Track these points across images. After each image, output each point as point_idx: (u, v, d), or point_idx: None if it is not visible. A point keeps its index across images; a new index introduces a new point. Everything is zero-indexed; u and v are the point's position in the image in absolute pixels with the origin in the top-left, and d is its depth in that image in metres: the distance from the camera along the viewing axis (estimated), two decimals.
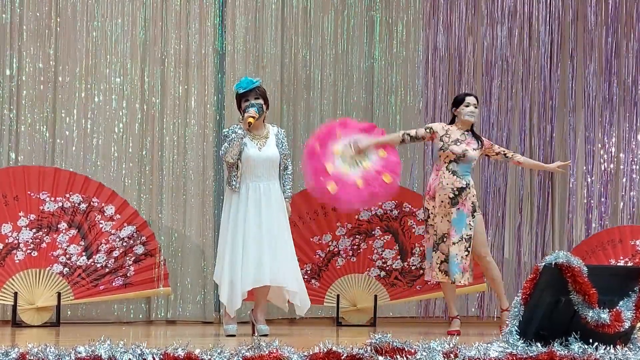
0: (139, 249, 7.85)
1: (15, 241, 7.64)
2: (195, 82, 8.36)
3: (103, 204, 7.80)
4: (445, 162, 7.41)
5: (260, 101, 6.80)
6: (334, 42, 8.67)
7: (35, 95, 8.06)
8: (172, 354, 4.39)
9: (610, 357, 4.77)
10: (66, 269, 7.70)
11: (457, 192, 7.36)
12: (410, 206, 8.24)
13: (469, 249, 7.33)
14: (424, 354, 4.56)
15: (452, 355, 4.62)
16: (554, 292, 5.01)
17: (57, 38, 8.11)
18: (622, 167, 8.95)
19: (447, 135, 7.44)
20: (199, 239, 8.30)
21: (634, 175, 8.95)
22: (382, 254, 8.23)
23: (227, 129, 6.88)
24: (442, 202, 7.36)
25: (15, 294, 7.59)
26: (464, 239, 7.32)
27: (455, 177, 7.38)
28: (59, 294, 7.65)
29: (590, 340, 4.88)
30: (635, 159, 8.96)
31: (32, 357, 4.33)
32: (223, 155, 6.73)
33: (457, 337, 5.15)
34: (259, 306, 6.88)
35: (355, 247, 8.23)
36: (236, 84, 6.96)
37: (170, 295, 8.13)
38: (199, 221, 8.30)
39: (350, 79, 8.72)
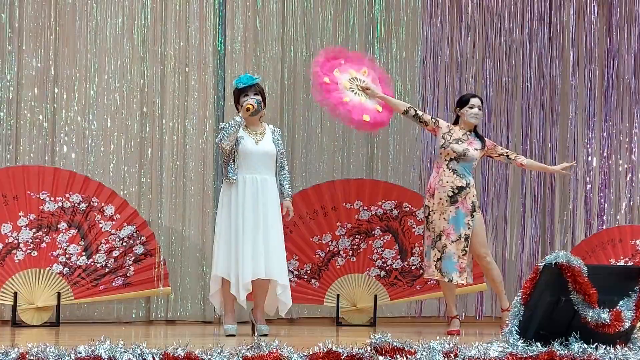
0: (139, 249, 7.85)
1: (15, 241, 7.64)
2: (195, 82, 8.36)
3: (103, 204, 7.80)
4: (445, 160, 7.42)
5: (259, 97, 6.85)
6: (334, 42, 8.66)
7: (34, 95, 8.05)
8: (172, 354, 4.39)
9: (610, 357, 4.77)
10: (66, 268, 7.69)
11: (456, 191, 7.36)
12: (410, 206, 8.24)
13: (466, 248, 7.33)
14: (424, 353, 4.56)
15: (452, 355, 4.62)
16: (554, 291, 5.01)
17: (57, 38, 8.11)
18: (622, 166, 8.95)
19: (450, 134, 7.45)
20: (198, 239, 8.30)
21: (634, 175, 8.95)
22: (382, 253, 8.23)
23: (224, 122, 6.92)
24: (440, 199, 7.37)
25: (15, 293, 7.58)
26: (462, 238, 7.32)
27: (455, 175, 7.39)
28: (59, 294, 7.65)
29: (590, 340, 4.89)
30: (636, 159, 8.96)
31: (31, 357, 4.33)
32: (219, 141, 6.76)
33: (457, 337, 5.15)
34: (259, 306, 6.89)
35: (355, 247, 8.22)
36: (236, 79, 7.00)
37: (170, 295, 8.13)
38: (199, 221, 8.30)
39: None
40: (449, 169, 7.40)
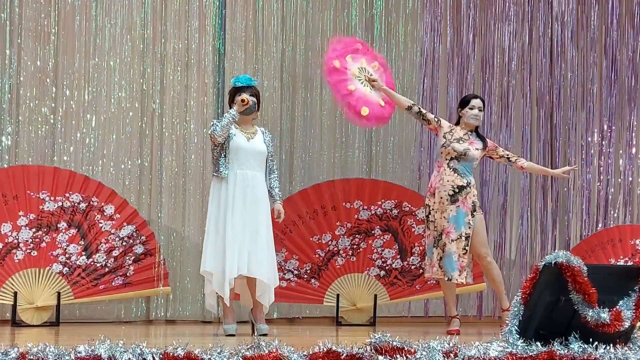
0: (139, 249, 7.85)
1: (15, 241, 7.64)
2: (194, 82, 8.36)
3: (103, 204, 7.80)
4: (446, 159, 7.42)
5: (254, 99, 6.87)
6: None
7: (34, 95, 8.05)
8: (171, 354, 4.39)
9: (610, 357, 4.77)
10: (66, 268, 7.69)
11: (457, 190, 7.37)
12: (409, 205, 8.24)
13: (466, 247, 7.33)
14: (424, 353, 4.56)
15: (452, 354, 4.62)
16: (554, 291, 5.01)
17: (57, 37, 8.11)
18: (622, 166, 8.95)
19: (451, 133, 7.46)
20: (198, 239, 8.29)
21: (634, 175, 8.95)
22: (381, 253, 8.23)
23: (216, 119, 6.95)
24: (441, 198, 7.37)
25: (15, 293, 7.58)
26: (462, 237, 7.32)
27: (456, 174, 7.39)
28: (59, 294, 7.65)
29: (590, 340, 4.89)
30: (636, 158, 8.96)
31: (31, 357, 4.32)
32: (212, 132, 6.78)
33: (457, 337, 5.15)
34: (258, 305, 6.89)
35: (355, 246, 8.23)
36: (235, 78, 7.01)
37: (170, 295, 8.13)
38: (199, 221, 8.29)
39: None
40: (450, 168, 7.41)
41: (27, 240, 7.65)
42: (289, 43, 8.58)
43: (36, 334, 6.72)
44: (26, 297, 7.61)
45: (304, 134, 8.58)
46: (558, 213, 8.89)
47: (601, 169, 8.95)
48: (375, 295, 8.19)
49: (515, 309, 5.04)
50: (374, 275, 8.22)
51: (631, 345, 5.13)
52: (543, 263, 5.02)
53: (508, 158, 7.61)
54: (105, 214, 7.80)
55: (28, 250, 7.65)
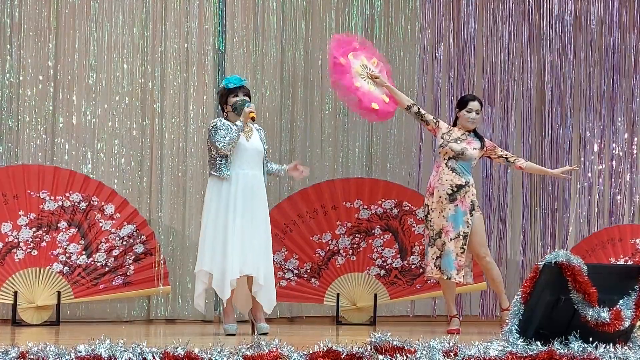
0: (139, 248, 7.85)
1: (15, 240, 7.64)
2: (195, 82, 8.36)
3: (103, 203, 7.80)
4: (444, 159, 7.43)
5: (249, 99, 6.86)
6: None
7: (34, 94, 8.05)
8: (172, 353, 4.39)
9: (610, 356, 4.77)
10: (66, 267, 7.70)
11: (455, 189, 7.37)
12: (410, 205, 8.25)
13: (464, 246, 7.34)
14: (424, 352, 4.56)
15: (452, 354, 4.62)
16: (554, 291, 5.01)
17: (57, 37, 8.11)
18: (622, 165, 8.95)
19: (449, 134, 7.46)
20: (198, 238, 8.27)
21: (634, 174, 8.95)
22: (382, 252, 8.23)
23: (216, 120, 6.87)
24: (439, 197, 7.38)
25: (15, 292, 7.59)
26: (460, 236, 7.33)
27: (454, 174, 7.39)
28: (59, 293, 7.65)
29: (590, 339, 4.89)
30: (636, 158, 8.96)
31: (32, 356, 4.32)
32: (223, 147, 6.73)
33: (457, 336, 5.15)
34: (258, 305, 6.88)
35: (355, 245, 8.23)
36: (225, 79, 6.96)
37: (170, 294, 8.13)
38: (199, 220, 8.28)
39: None
40: (448, 168, 7.41)
41: (27, 240, 7.65)
42: (289, 43, 8.58)
43: (36, 334, 6.72)
44: (26, 297, 7.62)
45: (304, 134, 8.58)
46: (558, 213, 8.89)
47: (601, 168, 8.94)
48: (376, 295, 8.19)
49: (516, 309, 5.03)
50: (374, 275, 8.23)
51: (631, 345, 5.13)
52: (543, 262, 5.02)
53: (507, 158, 7.61)
54: (105, 213, 7.80)
55: (28, 250, 7.65)
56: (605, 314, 4.97)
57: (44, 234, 7.68)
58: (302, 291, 8.12)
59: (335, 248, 8.21)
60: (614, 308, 5.07)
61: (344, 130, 8.65)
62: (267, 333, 6.69)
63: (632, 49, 8.98)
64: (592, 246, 8.39)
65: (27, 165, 7.85)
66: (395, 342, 4.60)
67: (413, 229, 8.24)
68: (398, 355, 4.51)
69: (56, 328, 7.41)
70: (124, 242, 7.82)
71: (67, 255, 7.70)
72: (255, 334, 6.75)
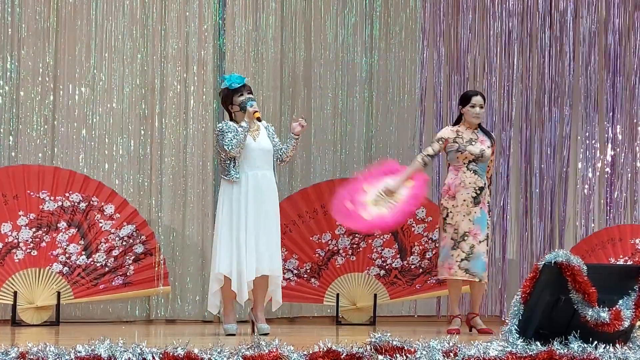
0: (139, 248, 7.85)
1: (15, 240, 7.64)
2: (195, 82, 8.36)
3: (103, 203, 7.80)
4: (464, 163, 7.36)
5: (252, 96, 6.85)
6: (334, 42, 8.66)
7: (34, 94, 8.06)
8: (171, 353, 4.39)
9: (609, 356, 4.77)
10: (66, 268, 7.70)
11: (478, 191, 7.33)
12: None
13: (487, 246, 7.37)
14: (424, 352, 4.56)
15: (452, 354, 4.62)
16: (554, 290, 5.01)
17: (57, 37, 8.11)
18: (622, 165, 8.95)
19: (460, 137, 7.40)
20: (198, 238, 8.30)
21: (634, 174, 8.95)
22: (381, 252, 8.23)
23: (221, 124, 6.85)
24: (464, 200, 7.31)
25: (15, 293, 7.59)
26: (488, 238, 7.35)
27: (477, 176, 7.35)
28: (59, 293, 7.65)
29: (590, 339, 4.89)
30: (636, 157, 8.96)
31: (31, 357, 4.32)
32: (231, 149, 6.71)
33: (457, 336, 5.15)
34: (259, 305, 6.88)
35: (354, 246, 8.23)
36: (227, 80, 6.89)
37: (170, 295, 8.13)
38: (199, 220, 8.30)
39: (350, 79, 8.70)
40: (470, 170, 7.35)
41: (27, 240, 7.65)
42: (289, 43, 8.58)
43: (36, 334, 6.72)
44: (26, 297, 7.62)
45: (304, 133, 8.56)
46: (558, 213, 8.89)
47: (601, 168, 8.94)
48: (375, 295, 8.19)
49: (515, 309, 5.04)
50: (374, 275, 8.23)
51: (631, 345, 5.13)
52: (543, 262, 5.02)
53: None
54: (105, 213, 7.80)
55: (28, 250, 7.65)
56: (605, 314, 4.97)
57: (43, 234, 7.68)
58: (302, 291, 8.13)
59: (335, 248, 8.21)
60: (614, 308, 5.07)
61: (344, 131, 8.65)
62: (268, 334, 6.69)
63: (632, 49, 8.97)
64: (592, 246, 8.39)
65: (27, 165, 7.85)
66: (395, 342, 4.60)
67: (413, 229, 8.23)
68: (398, 355, 4.51)
69: (56, 328, 7.41)
70: (124, 243, 7.82)
71: (67, 255, 7.70)
72: (256, 334, 6.75)
